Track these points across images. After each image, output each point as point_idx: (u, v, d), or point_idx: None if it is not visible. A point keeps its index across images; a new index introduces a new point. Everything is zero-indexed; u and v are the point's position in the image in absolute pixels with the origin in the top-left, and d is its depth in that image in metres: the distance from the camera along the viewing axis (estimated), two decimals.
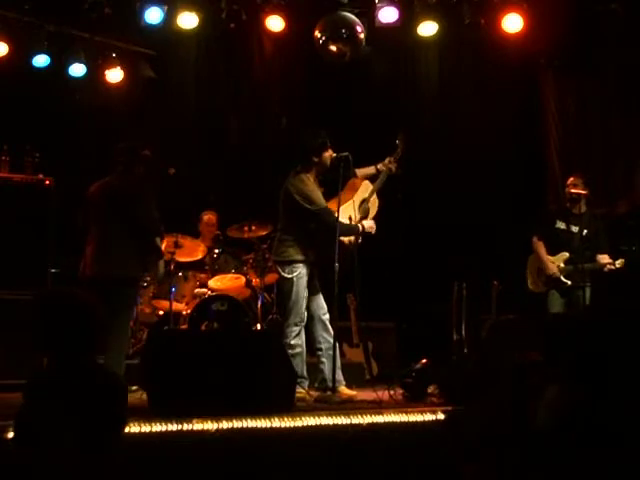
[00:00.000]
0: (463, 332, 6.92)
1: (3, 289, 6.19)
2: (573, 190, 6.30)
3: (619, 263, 6.16)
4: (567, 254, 6.30)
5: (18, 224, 6.31)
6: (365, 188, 5.73)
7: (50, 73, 7.20)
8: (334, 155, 5.43)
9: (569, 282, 6.23)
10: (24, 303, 6.21)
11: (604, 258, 6.19)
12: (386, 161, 5.76)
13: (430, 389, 5.32)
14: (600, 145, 7.77)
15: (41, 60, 7.10)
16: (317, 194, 5.43)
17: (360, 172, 5.75)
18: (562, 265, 6.27)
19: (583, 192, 6.28)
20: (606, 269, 6.16)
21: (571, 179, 6.41)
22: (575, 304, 6.24)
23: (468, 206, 7.65)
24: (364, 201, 5.68)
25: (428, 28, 7.25)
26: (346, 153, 5.35)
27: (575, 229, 6.34)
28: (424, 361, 5.44)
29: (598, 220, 6.43)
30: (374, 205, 5.74)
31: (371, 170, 5.81)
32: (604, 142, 7.75)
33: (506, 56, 7.44)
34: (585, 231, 6.31)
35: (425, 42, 7.55)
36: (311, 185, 5.45)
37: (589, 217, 6.39)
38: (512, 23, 7.06)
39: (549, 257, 6.31)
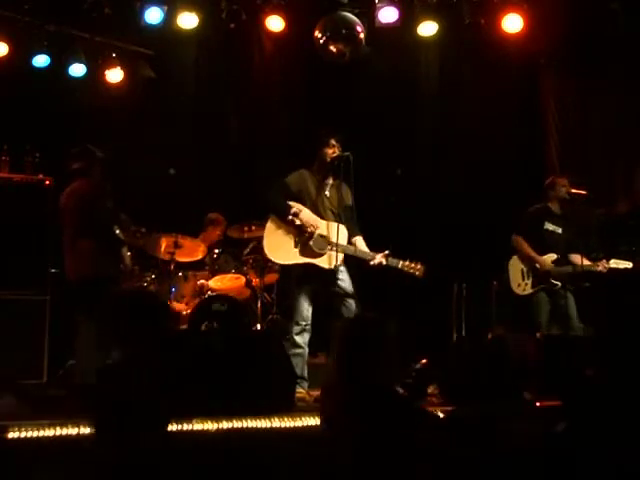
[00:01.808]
0: (463, 332, 6.92)
1: (3, 289, 6.18)
2: (574, 190, 6.30)
3: (614, 262, 6.18)
4: (555, 255, 6.30)
5: (18, 224, 6.31)
6: (337, 232, 5.33)
7: (50, 73, 7.19)
8: (335, 154, 5.42)
9: (559, 283, 6.23)
10: (24, 303, 6.23)
11: (577, 258, 6.20)
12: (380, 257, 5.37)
13: (430, 389, 5.32)
14: (600, 145, 7.77)
15: (41, 60, 7.09)
16: (291, 178, 5.47)
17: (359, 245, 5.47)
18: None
19: (584, 192, 6.28)
20: (601, 269, 6.16)
21: (564, 180, 6.42)
22: (560, 307, 6.25)
23: (468, 206, 7.64)
24: (323, 237, 5.36)
25: (428, 28, 7.25)
26: (347, 153, 5.34)
27: (560, 230, 6.37)
28: (424, 361, 5.44)
29: (576, 219, 6.46)
30: (331, 256, 5.34)
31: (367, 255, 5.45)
32: (604, 142, 7.75)
33: (506, 56, 7.44)
34: (569, 232, 6.36)
35: (425, 42, 7.54)
36: (296, 174, 5.50)
37: (568, 217, 6.42)
38: (512, 23, 7.06)
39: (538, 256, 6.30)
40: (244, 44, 7.88)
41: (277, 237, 5.40)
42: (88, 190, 5.74)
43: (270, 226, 5.45)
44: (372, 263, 5.36)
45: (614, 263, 6.19)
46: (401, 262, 5.42)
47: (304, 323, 5.39)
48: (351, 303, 5.39)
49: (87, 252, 5.65)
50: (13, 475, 3.46)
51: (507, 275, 6.40)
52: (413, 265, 5.43)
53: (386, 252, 5.37)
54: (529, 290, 6.30)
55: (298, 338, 5.36)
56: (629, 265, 6.18)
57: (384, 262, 5.35)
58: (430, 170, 8.03)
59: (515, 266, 6.39)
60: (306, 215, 5.37)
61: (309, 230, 5.35)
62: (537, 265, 6.26)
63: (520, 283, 6.34)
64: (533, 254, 6.29)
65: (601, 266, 6.17)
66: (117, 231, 5.85)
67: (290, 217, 5.33)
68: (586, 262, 6.20)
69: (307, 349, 5.44)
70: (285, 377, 4.72)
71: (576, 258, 6.22)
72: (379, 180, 7.51)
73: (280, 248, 5.40)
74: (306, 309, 5.39)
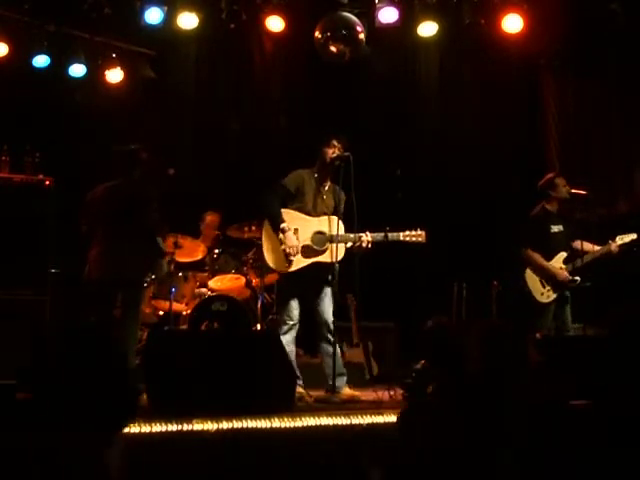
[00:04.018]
0: None
1: (3, 289, 6.18)
2: (574, 191, 6.30)
3: (620, 239, 6.20)
4: (564, 254, 6.31)
5: (18, 224, 6.30)
6: (333, 225, 5.38)
7: (50, 73, 7.20)
8: (335, 154, 5.42)
9: (578, 278, 6.22)
10: (24, 303, 6.23)
11: (586, 245, 6.23)
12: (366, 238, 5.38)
13: (430, 389, 5.31)
14: (600, 145, 7.77)
15: (41, 60, 7.09)
16: (288, 179, 5.50)
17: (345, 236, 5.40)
18: (563, 266, 6.28)
19: (584, 192, 6.28)
20: (614, 249, 6.17)
21: (563, 180, 6.41)
22: (559, 307, 6.27)
23: (468, 206, 7.65)
24: (321, 233, 5.40)
25: (428, 28, 7.25)
26: (347, 153, 5.35)
27: (562, 228, 6.38)
28: (424, 361, 5.43)
29: (574, 218, 6.49)
30: (334, 250, 5.35)
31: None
32: (604, 142, 7.75)
33: (506, 56, 7.44)
34: (569, 228, 6.37)
35: (425, 42, 7.54)
36: (294, 174, 5.52)
37: (564, 215, 6.44)
38: (512, 23, 7.06)
39: (551, 264, 6.29)
40: (244, 44, 7.88)
41: (277, 247, 5.40)
42: (128, 192, 5.68)
43: (266, 237, 5.47)
44: (363, 239, 5.34)
45: (619, 239, 6.20)
46: (401, 234, 5.48)
47: (292, 322, 5.40)
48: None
49: (122, 254, 5.59)
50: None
51: (527, 288, 6.35)
52: (414, 233, 5.51)
53: (367, 235, 5.37)
54: (553, 296, 6.27)
55: (285, 337, 5.36)
56: (634, 236, 6.19)
57: (370, 238, 5.36)
58: (430, 170, 8.03)
59: (532, 277, 6.35)
60: (289, 239, 5.33)
61: (289, 255, 5.33)
62: (552, 275, 6.25)
63: (543, 292, 6.29)
64: (546, 265, 6.27)
65: (613, 246, 6.18)
66: (160, 243, 5.85)
67: (280, 235, 5.35)
68: (592, 247, 6.22)
69: (294, 347, 5.47)
70: (285, 377, 4.72)
71: (577, 244, 6.21)
72: (379, 180, 7.51)
73: (282, 256, 5.39)
74: (295, 308, 5.41)
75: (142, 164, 5.79)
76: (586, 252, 6.19)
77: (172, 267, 6.75)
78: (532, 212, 6.44)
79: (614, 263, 6.31)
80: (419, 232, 5.54)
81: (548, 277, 6.26)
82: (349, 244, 5.39)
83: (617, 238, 6.21)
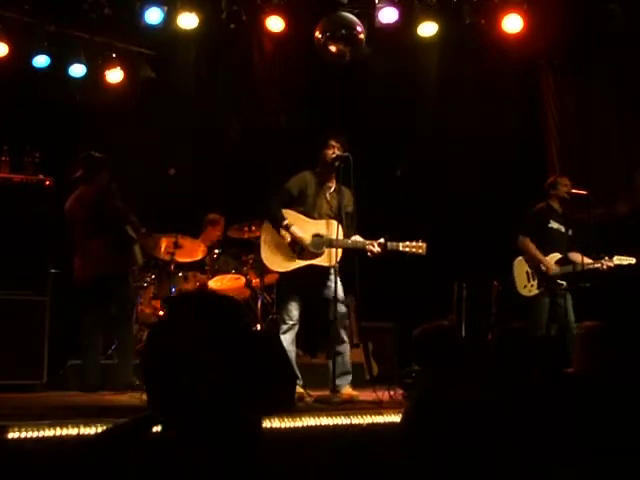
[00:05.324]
0: (463, 332, 6.92)
1: (3, 289, 6.18)
2: (574, 190, 6.32)
3: (617, 260, 6.20)
4: (558, 255, 6.32)
5: (18, 224, 6.30)
6: (332, 229, 5.34)
7: (50, 73, 7.20)
8: (334, 154, 5.42)
9: (564, 283, 6.23)
10: (24, 303, 6.23)
11: (577, 256, 6.22)
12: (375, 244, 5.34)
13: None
14: (600, 145, 7.78)
15: (41, 60, 7.09)
16: (291, 182, 5.48)
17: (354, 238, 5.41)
18: (554, 266, 6.29)
19: (584, 192, 6.29)
20: (605, 267, 6.19)
21: (566, 180, 6.43)
22: (558, 306, 6.27)
23: (468, 206, 7.65)
24: (319, 236, 5.36)
25: (428, 28, 7.25)
26: (347, 154, 5.34)
27: (563, 228, 6.39)
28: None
29: (576, 219, 6.49)
30: (330, 253, 5.33)
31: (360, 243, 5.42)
32: (604, 142, 7.75)
33: (506, 56, 7.45)
34: (570, 231, 6.38)
35: (425, 42, 7.54)
36: (297, 177, 5.50)
37: (568, 216, 6.45)
38: (512, 23, 7.06)
39: (545, 257, 6.30)
40: (244, 44, 7.88)
41: (275, 246, 5.41)
42: (93, 195, 5.86)
43: (266, 237, 5.47)
44: (369, 248, 5.31)
45: (617, 260, 6.21)
46: (401, 244, 5.41)
47: (291, 322, 5.38)
48: (340, 307, 5.40)
49: (97, 252, 5.79)
50: (13, 475, 3.45)
51: (512, 277, 6.37)
52: (414, 244, 5.41)
53: (381, 240, 5.33)
54: (535, 291, 6.30)
55: (284, 337, 5.34)
56: (632, 261, 6.20)
57: (379, 249, 5.31)
58: (430, 171, 8.03)
59: (520, 268, 6.37)
60: (296, 232, 5.34)
61: (300, 244, 5.34)
62: (543, 268, 6.25)
63: (526, 285, 6.32)
64: (541, 257, 6.28)
65: (605, 264, 6.19)
66: (129, 230, 5.95)
67: (282, 232, 5.35)
68: (588, 260, 6.22)
69: (294, 348, 5.47)
70: (285, 377, 4.71)
71: (576, 257, 6.24)
72: (379, 181, 7.51)
73: (279, 256, 5.40)
74: (295, 308, 5.39)
75: (101, 165, 5.92)
76: (580, 264, 6.18)
77: (172, 267, 6.76)
78: (537, 206, 6.49)
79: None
80: (420, 244, 5.42)
81: (538, 270, 6.28)
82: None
83: (615, 258, 6.21)
